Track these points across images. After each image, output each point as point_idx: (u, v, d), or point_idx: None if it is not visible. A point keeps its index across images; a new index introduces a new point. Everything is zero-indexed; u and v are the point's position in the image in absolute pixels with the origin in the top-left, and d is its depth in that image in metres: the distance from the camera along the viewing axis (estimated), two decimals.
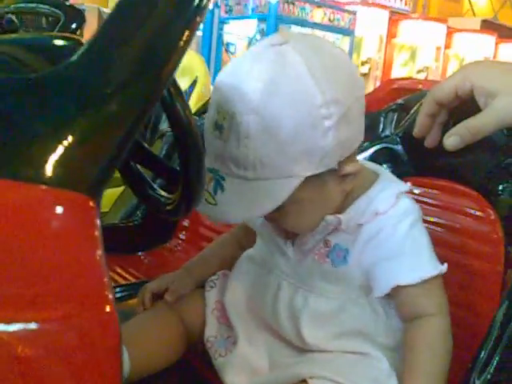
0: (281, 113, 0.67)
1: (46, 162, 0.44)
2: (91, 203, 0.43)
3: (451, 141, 0.79)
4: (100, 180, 0.44)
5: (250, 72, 0.68)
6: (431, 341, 0.74)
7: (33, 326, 0.40)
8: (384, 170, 0.84)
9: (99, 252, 0.41)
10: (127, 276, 1.49)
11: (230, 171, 0.70)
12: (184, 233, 1.71)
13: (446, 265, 0.76)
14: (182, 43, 0.46)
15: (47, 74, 0.46)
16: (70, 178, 0.44)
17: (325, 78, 0.68)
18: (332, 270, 0.79)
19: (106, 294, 0.40)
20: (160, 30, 0.46)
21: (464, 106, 0.80)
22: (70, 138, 0.44)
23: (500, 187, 0.92)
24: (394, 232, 0.76)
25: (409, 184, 0.80)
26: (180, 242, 1.70)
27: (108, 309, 0.40)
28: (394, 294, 0.76)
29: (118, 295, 1.18)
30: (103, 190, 0.44)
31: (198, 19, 0.48)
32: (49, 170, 0.43)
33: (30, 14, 1.97)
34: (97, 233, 0.41)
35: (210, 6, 6.42)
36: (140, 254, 1.64)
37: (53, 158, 0.44)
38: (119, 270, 1.51)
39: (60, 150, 0.44)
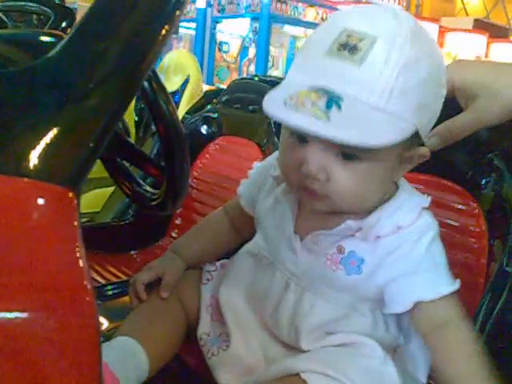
0: (422, 55, 0.67)
1: (26, 155, 0.44)
2: (71, 194, 0.43)
3: (432, 141, 0.80)
4: (80, 172, 0.45)
5: (390, 11, 0.68)
6: (467, 346, 0.72)
7: (12, 315, 0.40)
8: (402, 179, 0.81)
9: (78, 243, 0.41)
10: (120, 275, 1.49)
11: (352, 93, 0.64)
12: (176, 231, 1.71)
13: (459, 281, 0.75)
14: (161, 37, 0.47)
15: (27, 68, 0.47)
16: (50, 171, 0.44)
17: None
18: (344, 278, 0.76)
19: (85, 284, 0.40)
20: (139, 23, 0.47)
21: (448, 105, 0.81)
22: (51, 132, 0.45)
23: (483, 181, 0.93)
24: (414, 248, 0.74)
25: (429, 198, 0.78)
26: (172, 240, 1.70)
27: (87, 299, 0.40)
28: (411, 310, 0.75)
29: (111, 293, 1.18)
30: (83, 181, 0.45)
31: (177, 13, 0.49)
32: (30, 163, 0.44)
33: (18, 13, 1.96)
34: (76, 223, 0.42)
35: (203, 5, 6.42)
36: (132, 252, 1.64)
37: (34, 152, 0.44)
38: (112, 269, 1.51)
39: (41, 143, 0.44)
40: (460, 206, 0.95)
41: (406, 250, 0.74)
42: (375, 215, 0.75)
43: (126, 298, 1.14)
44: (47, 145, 0.44)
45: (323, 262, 0.77)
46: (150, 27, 0.47)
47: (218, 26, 6.63)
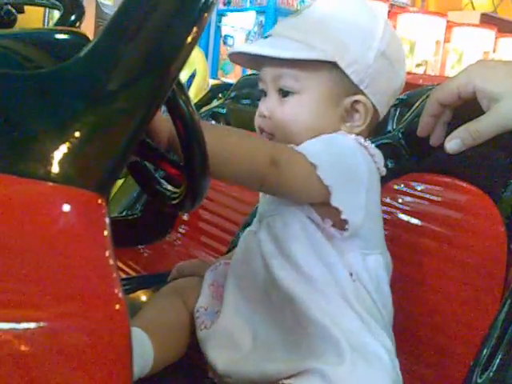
0: (351, 9, 0.86)
1: (53, 158, 0.43)
2: (100, 201, 0.42)
3: (452, 144, 0.79)
4: (108, 177, 0.44)
5: None
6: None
7: (39, 325, 0.39)
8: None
9: (108, 251, 0.40)
10: (127, 269, 1.50)
11: (282, 31, 0.85)
12: (183, 226, 1.71)
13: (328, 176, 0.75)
14: (189, 40, 0.46)
15: (55, 70, 0.46)
16: (77, 175, 0.43)
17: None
18: None
19: (116, 292, 0.39)
20: (168, 26, 0.46)
21: (469, 105, 0.80)
22: (78, 135, 0.44)
23: (504, 185, 0.92)
24: (322, 137, 0.81)
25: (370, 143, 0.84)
26: (179, 235, 1.71)
27: (117, 307, 0.39)
28: None
29: None
30: (112, 187, 0.44)
31: (205, 15, 0.47)
32: (56, 167, 0.43)
33: (28, 6, 1.95)
34: (106, 231, 0.41)
35: None
36: (139, 247, 1.64)
37: (60, 155, 0.43)
38: (119, 264, 1.50)
39: (68, 146, 0.43)
40: (479, 210, 0.94)
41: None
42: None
43: (134, 295, 1.14)
44: (74, 148, 0.44)
45: None
46: (179, 30, 0.46)
47: (224, 20, 6.60)
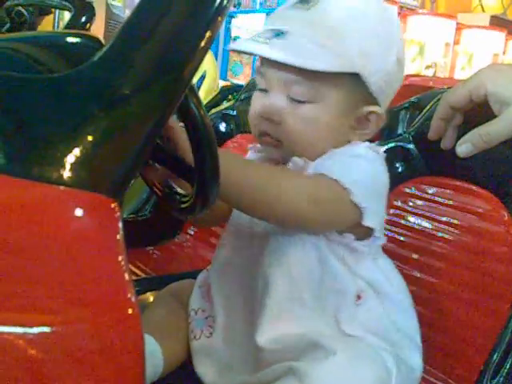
0: (371, 11, 0.78)
1: (66, 162, 0.43)
2: (113, 205, 0.42)
3: (463, 148, 0.79)
4: (122, 181, 0.44)
5: None
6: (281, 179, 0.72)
7: (51, 329, 0.39)
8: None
9: (121, 256, 0.40)
10: (136, 270, 1.50)
11: (296, 29, 0.74)
12: (192, 228, 1.71)
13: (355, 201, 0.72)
14: (203, 44, 0.46)
15: (69, 74, 0.46)
16: (91, 179, 0.43)
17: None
18: None
19: (128, 297, 0.39)
20: (181, 29, 0.46)
21: (479, 109, 0.80)
22: (92, 139, 0.43)
23: None
24: (338, 155, 0.77)
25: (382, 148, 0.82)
26: (188, 237, 1.70)
27: (130, 311, 0.39)
28: None
29: None
30: (125, 191, 0.44)
31: (219, 19, 0.47)
32: (69, 170, 0.43)
33: (39, 7, 1.96)
34: (118, 236, 0.41)
35: None
36: (148, 248, 1.64)
37: (73, 159, 0.43)
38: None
39: (81, 150, 0.43)
40: (490, 213, 0.94)
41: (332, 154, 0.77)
42: (321, 157, 0.78)
43: (143, 297, 1.15)
44: (87, 151, 0.43)
45: None
46: (192, 34, 0.46)
47: (233, 21, 6.60)
